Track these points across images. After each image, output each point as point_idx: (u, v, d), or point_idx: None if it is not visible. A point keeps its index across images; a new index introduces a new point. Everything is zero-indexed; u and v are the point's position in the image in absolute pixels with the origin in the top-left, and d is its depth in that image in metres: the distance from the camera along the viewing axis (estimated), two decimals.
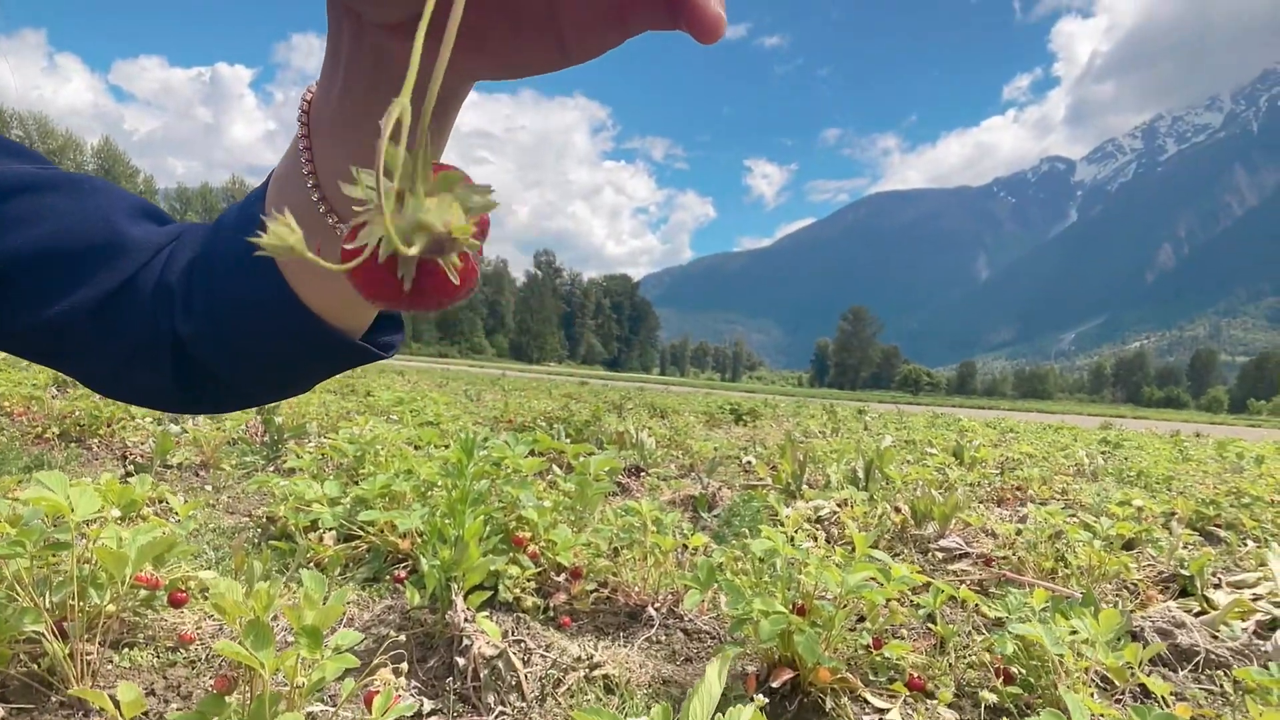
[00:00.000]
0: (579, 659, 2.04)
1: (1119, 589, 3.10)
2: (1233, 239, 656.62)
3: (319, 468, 3.54)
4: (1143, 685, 2.02)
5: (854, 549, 2.41)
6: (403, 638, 2.00)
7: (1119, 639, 2.07)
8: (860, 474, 4.97)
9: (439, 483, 3.08)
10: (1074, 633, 2.01)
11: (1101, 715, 1.56)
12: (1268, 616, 2.80)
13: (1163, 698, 1.82)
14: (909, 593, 2.70)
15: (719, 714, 0.84)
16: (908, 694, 2.00)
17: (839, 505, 4.19)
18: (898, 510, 4.04)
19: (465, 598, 2.07)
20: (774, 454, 6.56)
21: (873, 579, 2.03)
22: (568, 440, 6.18)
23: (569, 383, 25.41)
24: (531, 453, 4.36)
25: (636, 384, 37.58)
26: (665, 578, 2.75)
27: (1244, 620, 2.75)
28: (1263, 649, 2.40)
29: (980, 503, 4.98)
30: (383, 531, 2.90)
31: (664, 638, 2.50)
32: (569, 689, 1.93)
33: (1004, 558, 3.39)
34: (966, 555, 3.57)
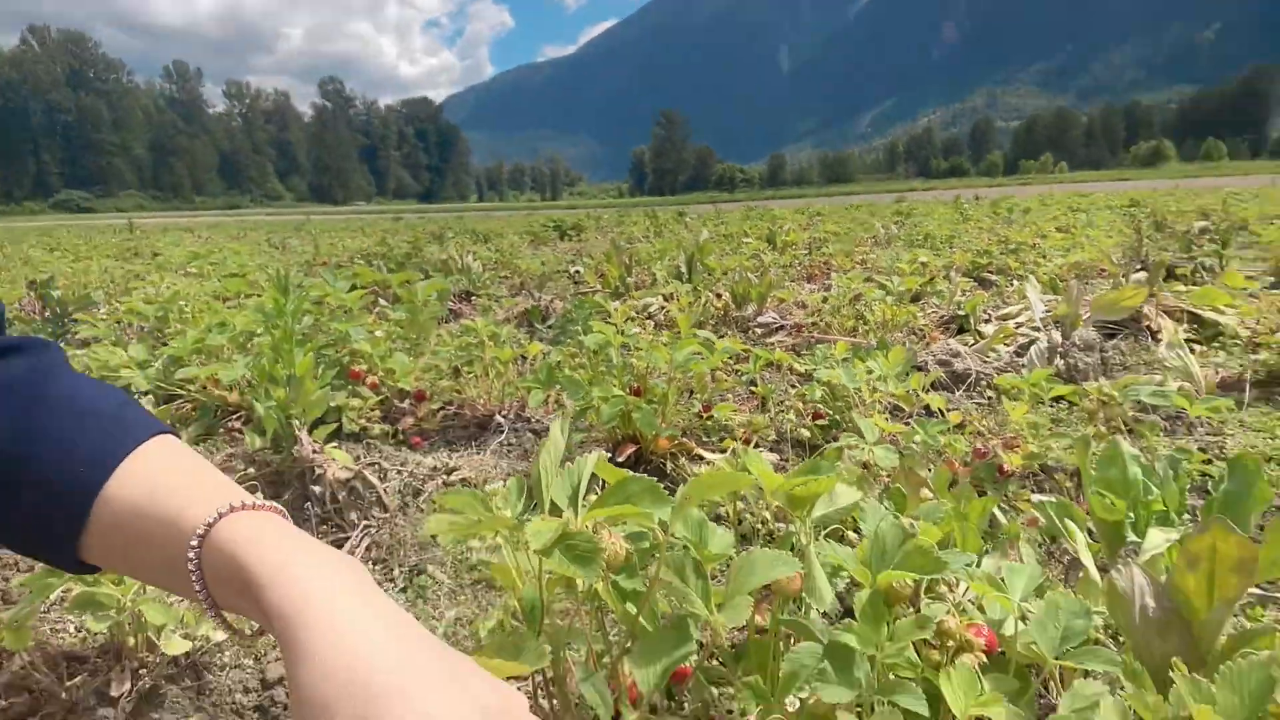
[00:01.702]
0: (435, 469, 2.13)
1: (909, 335, 3.53)
2: (1010, 7, 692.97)
3: (118, 334, 3.27)
4: (926, 407, 2.38)
5: (680, 332, 2.58)
6: (251, 471, 1.99)
7: (906, 372, 2.40)
8: (683, 269, 5.20)
9: (259, 331, 2.94)
10: (870, 372, 2.31)
11: (889, 431, 1.84)
12: (1026, 339, 3.30)
13: (940, 410, 2.16)
14: (732, 363, 2.95)
15: (567, 465, 0.94)
16: (735, 445, 2.25)
17: (666, 300, 4.39)
18: (719, 296, 4.31)
19: (309, 432, 2.07)
20: (601, 262, 6.68)
21: (697, 353, 2.21)
22: (390, 273, 5.99)
23: (382, 219, 24.07)
24: (353, 287, 4.22)
25: (454, 213, 36.19)
26: (509, 387, 2.84)
27: (1007, 345, 3.24)
28: (1020, 363, 2.85)
29: (792, 281, 5.37)
30: (206, 388, 2.78)
31: (515, 440, 2.62)
32: (429, 496, 2.02)
33: (813, 324, 3.74)
34: (782, 327, 3.91)
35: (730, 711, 1.02)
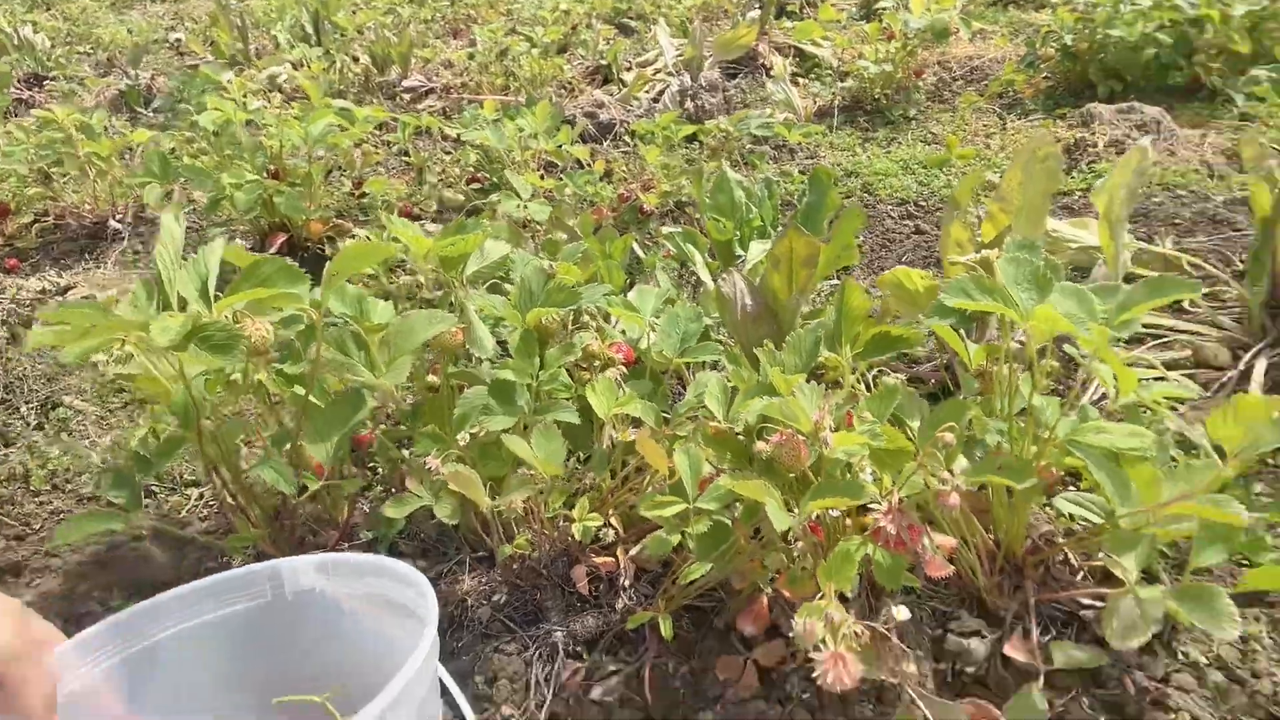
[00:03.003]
0: (44, 291, 1.84)
1: (559, 88, 3.54)
2: None
3: None
4: (577, 160, 2.47)
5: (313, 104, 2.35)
6: None
7: (555, 127, 2.45)
8: (310, 29, 4.60)
9: None
10: (520, 130, 2.32)
11: (543, 187, 1.91)
12: (662, 84, 3.49)
13: (586, 161, 2.28)
14: (379, 134, 2.79)
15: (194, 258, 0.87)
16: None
17: (296, 67, 3.91)
18: (356, 60, 3.93)
19: None
20: (208, 27, 5.65)
21: (336, 125, 2.05)
22: None
23: None
24: None
25: None
26: (118, 187, 2.44)
27: (646, 91, 3.40)
28: (657, 108, 3.03)
29: (436, 38, 5.02)
30: None
31: (142, 247, 2.32)
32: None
33: (462, 84, 3.60)
34: (431, 90, 3.71)
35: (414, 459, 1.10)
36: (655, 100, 2.96)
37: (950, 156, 2.50)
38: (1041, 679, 0.89)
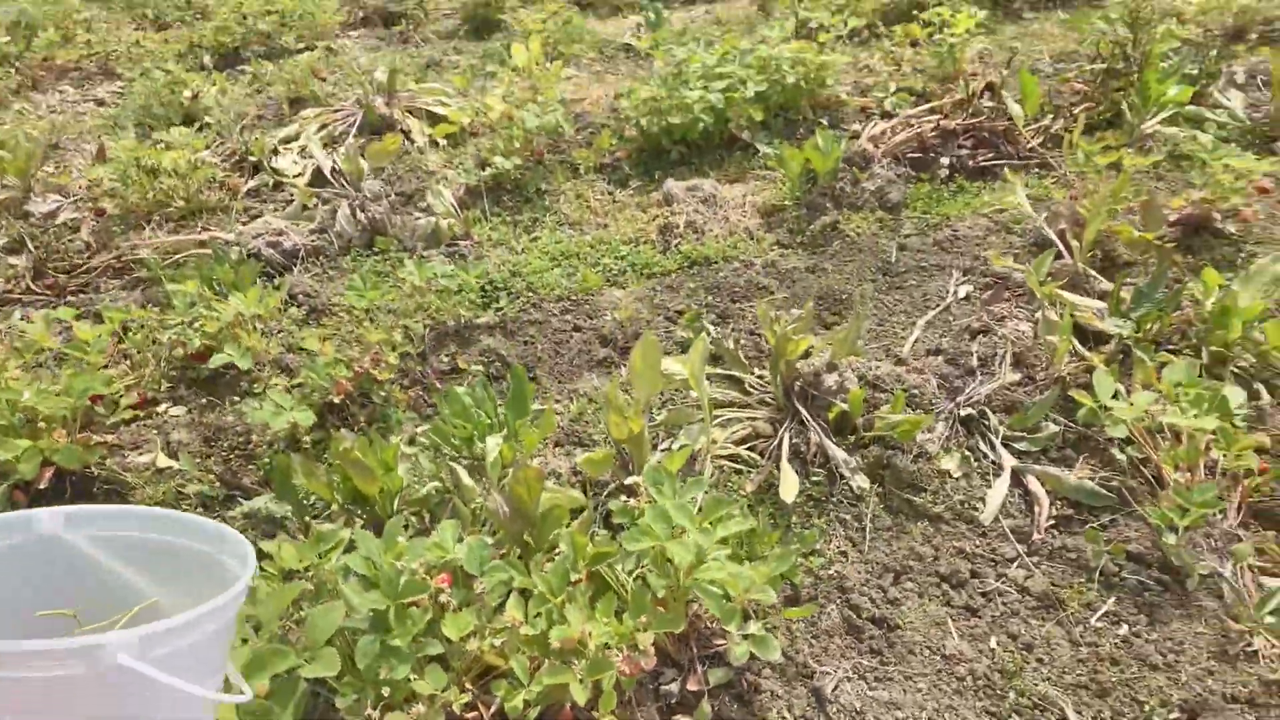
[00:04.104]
0: None
1: (223, 197, 3.71)
2: None
3: None
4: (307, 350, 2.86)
5: None
6: None
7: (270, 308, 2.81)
8: None
9: None
10: (241, 315, 2.67)
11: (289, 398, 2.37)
12: (330, 194, 3.81)
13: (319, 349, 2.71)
14: None
15: None
16: None
17: None
18: None
19: None
20: None
21: None
22: None
23: None
24: None
25: None
26: None
27: (313, 202, 3.71)
28: (334, 224, 3.42)
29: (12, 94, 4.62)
30: None
31: None
32: None
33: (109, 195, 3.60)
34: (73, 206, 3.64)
35: None
36: (332, 216, 3.34)
37: (584, 248, 3.31)
38: None
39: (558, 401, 2.63)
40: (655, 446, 2.34)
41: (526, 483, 1.85)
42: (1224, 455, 2.01)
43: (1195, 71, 3.83)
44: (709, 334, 2.77)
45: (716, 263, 3.22)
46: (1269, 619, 1.77)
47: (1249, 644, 1.74)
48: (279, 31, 5.55)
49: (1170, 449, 2.07)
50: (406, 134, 4.22)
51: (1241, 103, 3.85)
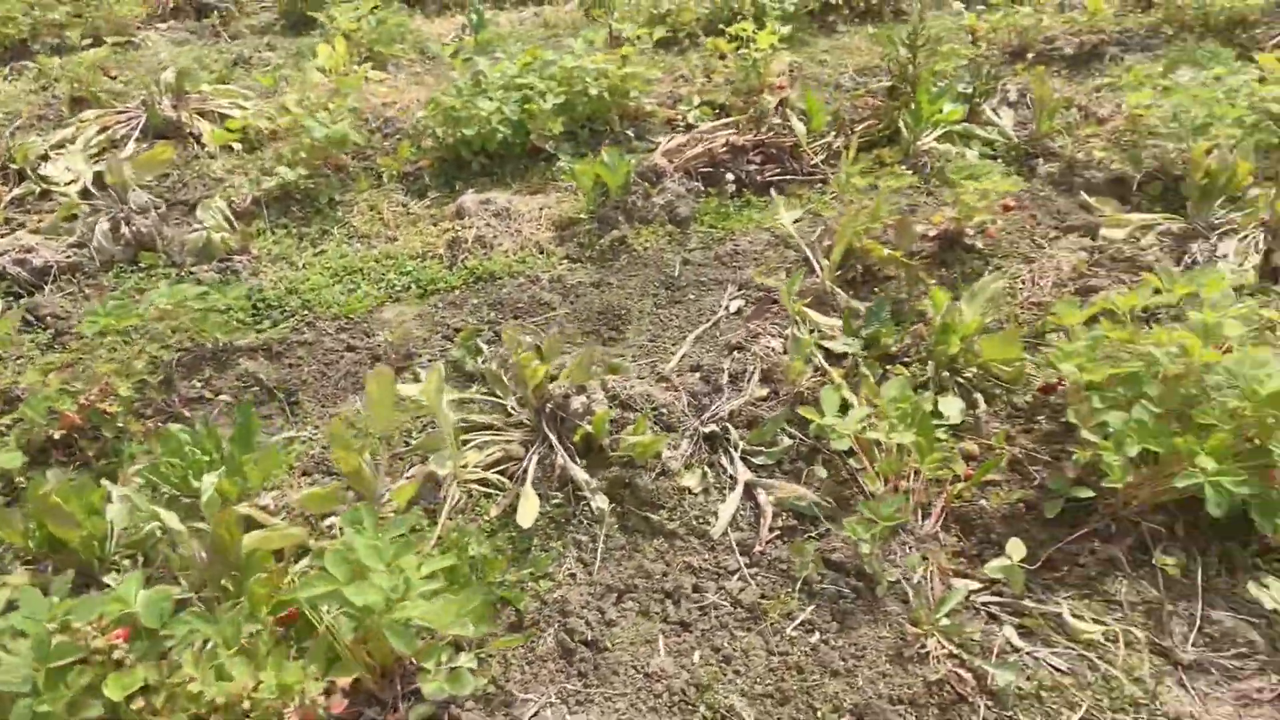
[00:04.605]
0: None
1: None
2: None
3: None
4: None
5: None
6: None
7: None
8: None
9: None
10: None
11: None
12: (90, 206, 3.58)
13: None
14: None
15: None
16: None
17: None
18: None
19: None
20: None
21: None
22: None
23: None
24: None
25: None
26: None
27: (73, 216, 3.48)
28: (91, 240, 3.22)
29: None
30: None
31: None
32: None
33: None
34: None
35: None
36: (90, 231, 3.14)
37: (369, 263, 3.24)
38: None
39: (316, 428, 2.57)
40: (403, 474, 2.33)
41: (227, 525, 1.80)
42: (924, 466, 2.16)
43: (970, 90, 4.08)
44: (483, 353, 2.77)
45: (502, 278, 3.21)
46: (944, 621, 1.92)
47: (923, 646, 1.88)
48: (72, 23, 5.17)
49: (882, 461, 2.21)
50: (197, 138, 4.02)
51: (1012, 120, 4.14)
